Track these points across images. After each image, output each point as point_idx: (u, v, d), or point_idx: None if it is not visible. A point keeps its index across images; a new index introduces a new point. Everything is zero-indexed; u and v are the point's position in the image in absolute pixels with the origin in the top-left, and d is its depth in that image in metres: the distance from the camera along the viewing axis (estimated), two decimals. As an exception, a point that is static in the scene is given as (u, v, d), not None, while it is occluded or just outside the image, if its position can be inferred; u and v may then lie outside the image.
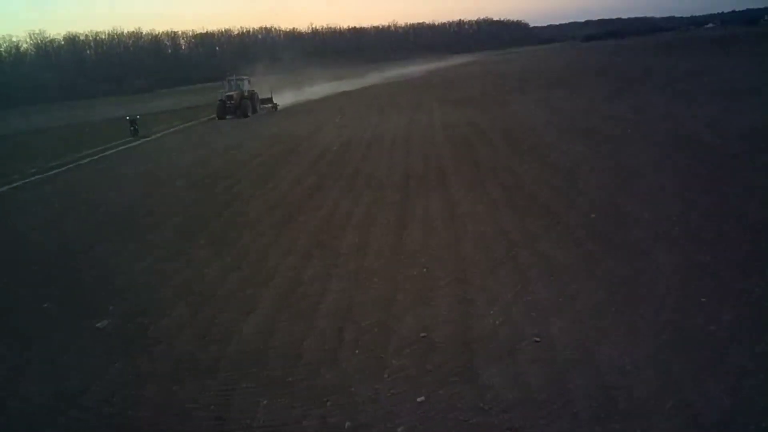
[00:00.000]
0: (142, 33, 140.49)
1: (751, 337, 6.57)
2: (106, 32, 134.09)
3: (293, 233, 12.52)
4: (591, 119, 23.46)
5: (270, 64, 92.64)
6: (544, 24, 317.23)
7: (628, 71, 46.83)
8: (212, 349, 7.72)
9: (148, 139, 34.97)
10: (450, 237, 11.17)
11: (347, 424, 5.98)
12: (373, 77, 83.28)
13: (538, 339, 7.10)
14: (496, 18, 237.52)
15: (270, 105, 46.54)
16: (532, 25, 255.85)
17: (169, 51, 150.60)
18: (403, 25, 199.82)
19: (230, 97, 42.53)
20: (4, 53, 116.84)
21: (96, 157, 28.88)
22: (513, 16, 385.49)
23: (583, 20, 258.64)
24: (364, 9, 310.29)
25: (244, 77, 45.59)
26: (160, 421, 6.32)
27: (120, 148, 31.98)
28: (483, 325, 7.60)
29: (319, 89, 62.58)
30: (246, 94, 43.92)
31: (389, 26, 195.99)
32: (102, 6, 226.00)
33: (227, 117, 42.16)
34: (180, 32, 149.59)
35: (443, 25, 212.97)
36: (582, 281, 8.56)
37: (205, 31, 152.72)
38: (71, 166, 26.68)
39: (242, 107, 42.53)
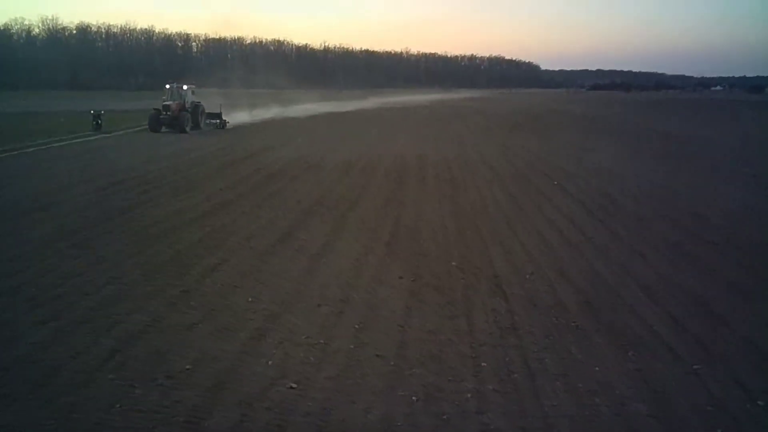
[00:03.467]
0: (154, 31, 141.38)
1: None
2: (119, 26, 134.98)
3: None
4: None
5: (267, 76, 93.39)
6: (556, 68, 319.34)
7: (603, 123, 48.14)
8: None
9: (108, 135, 34.96)
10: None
11: None
12: (372, 101, 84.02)
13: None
14: (508, 57, 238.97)
15: (217, 121, 41.26)
16: (543, 67, 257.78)
17: (180, 52, 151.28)
18: (415, 53, 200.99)
19: (167, 108, 37.23)
20: (14, 36, 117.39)
21: (41, 148, 28.81)
22: (525, 57, 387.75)
23: (594, 68, 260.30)
24: (379, 33, 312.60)
25: (187, 86, 39.70)
26: None
27: (67, 141, 31.98)
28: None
29: (308, 107, 62.92)
30: (187, 105, 38.55)
31: (402, 53, 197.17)
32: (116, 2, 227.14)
33: (162, 130, 37.00)
34: (193, 35, 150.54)
35: (455, 57, 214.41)
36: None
37: (218, 36, 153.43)
38: (13, 153, 26.60)
39: (179, 120, 37.14)
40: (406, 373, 7.49)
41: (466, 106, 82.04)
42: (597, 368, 7.69)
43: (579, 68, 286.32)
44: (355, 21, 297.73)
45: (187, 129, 37.23)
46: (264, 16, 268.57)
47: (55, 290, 9.89)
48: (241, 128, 42.78)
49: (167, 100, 37.84)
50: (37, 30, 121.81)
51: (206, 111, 40.40)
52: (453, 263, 11.93)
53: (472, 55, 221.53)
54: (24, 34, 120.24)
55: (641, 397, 7.02)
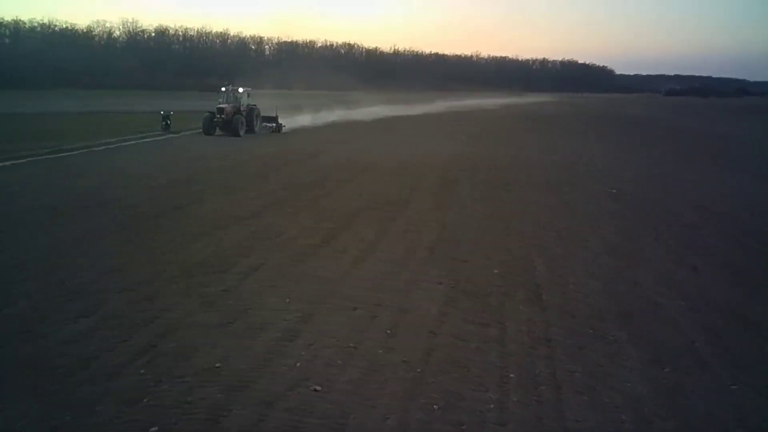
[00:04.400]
0: (229, 34, 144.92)
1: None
2: (196, 29, 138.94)
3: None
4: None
5: (335, 79, 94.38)
6: (631, 73, 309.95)
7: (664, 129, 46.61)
8: None
9: (176, 135, 35.99)
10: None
11: None
12: (439, 105, 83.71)
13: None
14: (581, 61, 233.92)
15: (272, 125, 40.31)
16: (617, 72, 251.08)
17: (253, 55, 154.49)
18: (485, 56, 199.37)
19: (221, 111, 36.37)
20: (96, 37, 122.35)
21: (109, 147, 29.94)
22: (599, 61, 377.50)
23: (672, 74, 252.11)
24: (449, 36, 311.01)
25: (243, 88, 38.56)
26: None
27: (135, 141, 33.07)
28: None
29: (373, 110, 62.84)
30: (242, 108, 37.84)
31: (472, 56, 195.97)
32: (193, 4, 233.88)
33: (216, 133, 36.29)
34: (266, 38, 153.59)
35: (527, 61, 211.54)
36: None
37: (290, 39, 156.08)
38: (83, 151, 27.72)
39: (233, 123, 36.30)
40: (429, 380, 7.39)
41: (532, 111, 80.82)
42: (628, 383, 7.41)
43: (655, 73, 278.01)
44: (425, 24, 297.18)
45: (241, 133, 36.44)
46: (336, 20, 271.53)
47: (96, 285, 10.22)
48: (301, 131, 42.27)
49: (222, 103, 37.13)
50: (117, 32, 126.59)
51: (262, 114, 39.74)
52: (495, 270, 11.73)
53: (544, 58, 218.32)
54: (105, 36, 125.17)
55: (670, 416, 6.72)
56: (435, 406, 6.82)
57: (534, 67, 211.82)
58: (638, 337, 8.83)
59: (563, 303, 10.12)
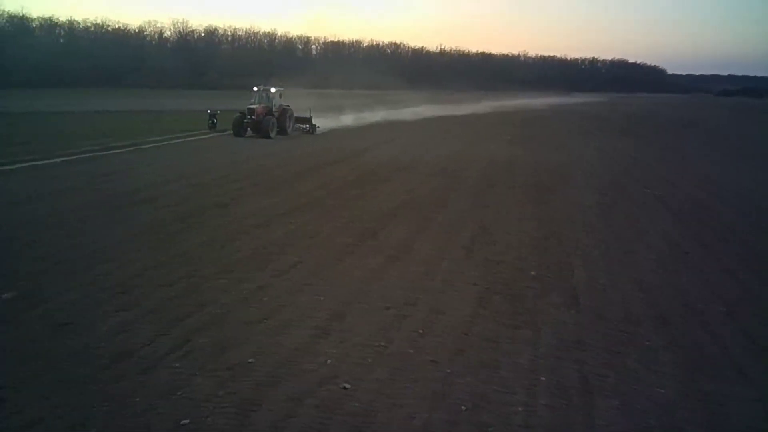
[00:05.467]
0: (276, 34, 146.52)
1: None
2: (244, 29, 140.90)
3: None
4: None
5: (381, 79, 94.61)
6: (683, 72, 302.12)
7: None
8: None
9: (222, 134, 36.55)
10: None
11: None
12: (485, 105, 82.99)
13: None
14: (631, 60, 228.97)
15: (306, 126, 38.76)
16: (669, 71, 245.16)
17: (300, 55, 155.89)
18: (533, 56, 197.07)
19: (252, 111, 34.97)
20: (148, 37, 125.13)
21: (156, 145, 30.64)
22: (650, 60, 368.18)
23: (725, 73, 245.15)
24: (496, 35, 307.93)
25: (275, 88, 36.97)
26: None
27: (182, 139, 33.67)
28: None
29: (417, 110, 62.52)
30: (274, 109, 36.32)
31: (519, 55, 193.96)
32: (242, 5, 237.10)
33: (246, 135, 34.92)
34: (312, 37, 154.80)
35: (575, 60, 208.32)
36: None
37: (337, 39, 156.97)
38: (131, 149, 28.44)
39: (263, 124, 34.77)
40: (458, 381, 7.40)
41: (580, 112, 79.60)
42: (660, 389, 7.29)
43: (709, 73, 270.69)
44: (472, 23, 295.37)
45: (272, 134, 35.00)
46: (383, 20, 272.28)
47: (138, 280, 10.50)
48: (342, 132, 41.45)
49: (253, 103, 35.80)
50: (168, 32, 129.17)
51: (296, 115, 38.40)
52: (531, 272, 11.64)
53: (594, 58, 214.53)
54: (156, 36, 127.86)
55: (701, 423, 6.59)
56: (462, 407, 6.83)
57: (583, 66, 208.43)
58: (674, 343, 8.66)
59: (600, 306, 9.99)
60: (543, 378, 7.52)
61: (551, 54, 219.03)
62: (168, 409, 6.61)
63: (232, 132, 35.35)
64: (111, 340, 8.19)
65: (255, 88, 36.92)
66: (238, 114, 35.50)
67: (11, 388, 6.89)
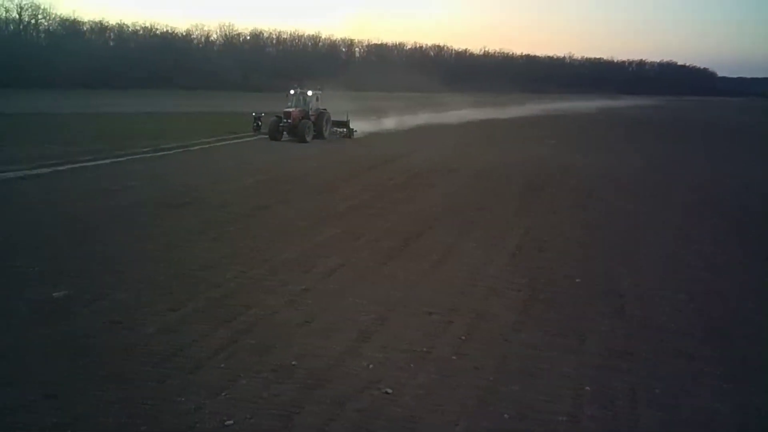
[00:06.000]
0: (320, 37, 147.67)
1: None
2: (289, 32, 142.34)
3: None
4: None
5: (424, 81, 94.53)
6: (734, 75, 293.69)
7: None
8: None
9: (266, 136, 36.89)
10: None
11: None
12: (530, 108, 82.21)
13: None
14: (680, 62, 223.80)
15: (343, 129, 38.01)
16: (720, 74, 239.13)
17: (344, 57, 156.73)
18: (579, 58, 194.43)
19: (288, 115, 34.23)
20: (195, 40, 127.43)
21: (203, 147, 31.19)
22: (700, 63, 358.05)
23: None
24: (540, 37, 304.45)
25: (312, 91, 36.12)
26: None
27: (227, 141, 34.18)
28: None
29: (461, 113, 62.21)
30: (311, 112, 35.53)
31: (564, 57, 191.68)
32: (287, 8, 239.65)
33: (282, 138, 34.52)
34: (356, 40, 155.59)
35: (622, 63, 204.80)
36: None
37: (380, 42, 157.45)
38: (179, 151, 29.01)
39: (299, 128, 33.91)
40: (501, 389, 7.34)
41: (628, 115, 78.34)
42: (711, 403, 7.11)
43: (762, 76, 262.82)
44: (516, 25, 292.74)
45: (308, 138, 34.15)
46: (426, 22, 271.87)
47: (186, 280, 10.70)
48: (383, 135, 41.07)
49: (289, 107, 35.06)
50: (214, 35, 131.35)
51: (332, 119, 37.51)
52: (577, 279, 11.48)
53: (641, 60, 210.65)
54: (203, 39, 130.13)
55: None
56: (506, 415, 6.78)
57: (630, 68, 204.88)
58: (724, 355, 8.45)
59: (647, 316, 9.81)
60: (588, 388, 7.41)
61: (597, 56, 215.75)
62: (213, 409, 6.71)
63: (267, 136, 35.01)
64: (160, 339, 8.36)
65: (291, 91, 36.30)
66: (275, 117, 34.99)
67: (63, 383, 7.09)
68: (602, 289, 11.04)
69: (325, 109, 36.67)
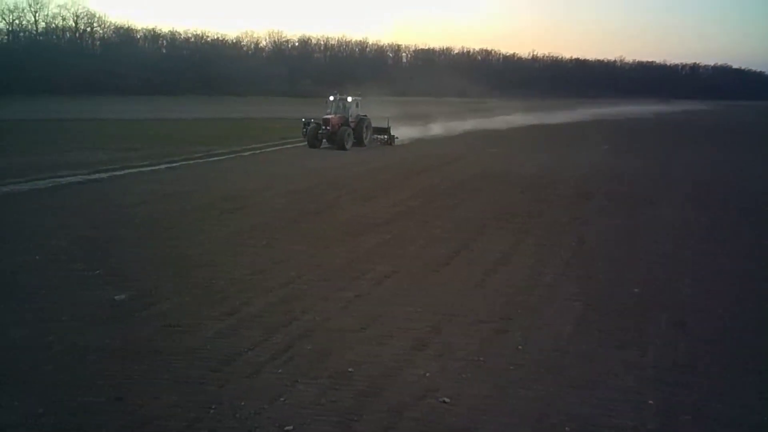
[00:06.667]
0: (368, 42, 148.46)
1: None
2: (336, 38, 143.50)
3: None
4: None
5: (471, 86, 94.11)
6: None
7: None
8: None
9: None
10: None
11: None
12: (580, 113, 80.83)
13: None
14: (735, 66, 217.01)
15: (384, 137, 36.93)
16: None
17: (390, 62, 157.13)
18: (630, 61, 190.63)
19: (326, 122, 33.40)
20: (245, 47, 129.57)
21: (254, 152, 31.64)
22: (756, 66, 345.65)
23: None
24: (590, 41, 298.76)
25: (352, 97, 35.26)
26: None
27: (278, 147, 34.65)
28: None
29: (509, 118, 61.22)
30: (351, 119, 34.68)
31: (615, 61, 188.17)
32: (335, 14, 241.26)
33: (321, 146, 33.86)
34: (403, 45, 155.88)
35: (675, 66, 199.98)
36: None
37: (426, 47, 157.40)
38: (231, 156, 29.51)
39: (338, 135, 33.20)
40: (560, 401, 7.22)
41: (682, 120, 76.50)
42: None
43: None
44: (565, 28, 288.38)
45: (347, 146, 33.31)
46: (474, 26, 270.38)
47: (240, 284, 10.85)
48: (427, 142, 40.17)
49: (329, 113, 34.32)
50: (264, 42, 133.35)
51: (373, 125, 36.50)
52: (635, 290, 11.24)
53: (694, 63, 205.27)
54: (252, 46, 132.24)
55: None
56: (567, 429, 6.66)
57: (683, 72, 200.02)
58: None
59: (709, 328, 9.53)
60: (651, 401, 7.23)
61: (649, 60, 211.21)
62: (272, 414, 6.77)
63: (306, 143, 34.23)
64: (218, 343, 8.48)
65: (331, 98, 35.39)
66: (313, 124, 34.14)
67: (128, 386, 7.25)
68: (662, 300, 10.77)
69: (365, 116, 35.85)
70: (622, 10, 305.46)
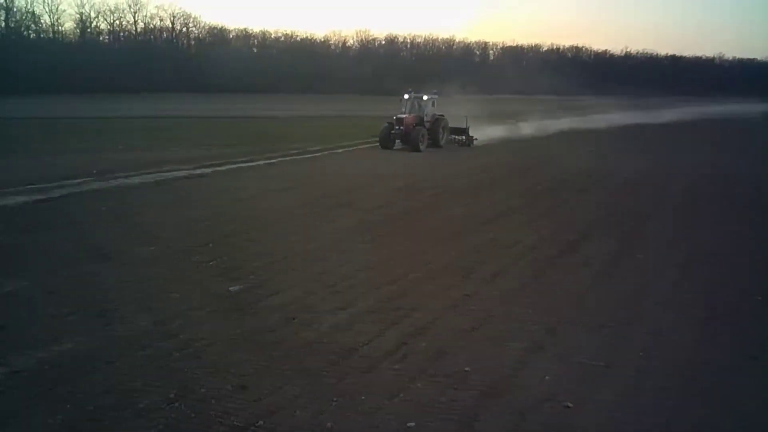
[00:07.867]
0: (455, 40, 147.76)
1: None
2: (423, 36, 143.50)
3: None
4: None
5: (562, 84, 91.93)
6: None
7: None
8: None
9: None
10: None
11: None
12: (682, 111, 77.10)
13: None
14: None
15: (462, 137, 34.77)
16: None
17: (477, 60, 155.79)
18: (730, 58, 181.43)
19: (400, 121, 31.36)
20: (332, 46, 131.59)
21: (348, 149, 32.05)
22: None
23: None
24: (686, 36, 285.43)
25: (427, 95, 33.32)
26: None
27: (371, 144, 34.42)
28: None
29: (607, 117, 57.90)
30: (427, 118, 32.65)
31: (713, 57, 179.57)
32: (422, 13, 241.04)
33: (394, 147, 31.93)
34: (491, 42, 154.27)
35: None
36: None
37: (515, 44, 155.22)
38: (325, 153, 30.01)
39: (412, 136, 31.28)
40: (690, 412, 6.89)
41: None
42: None
43: None
44: (660, 24, 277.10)
45: (422, 147, 31.33)
46: (563, 22, 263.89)
47: (350, 280, 10.96)
48: (515, 142, 38.27)
49: (403, 112, 32.44)
50: (351, 41, 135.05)
51: (450, 125, 34.45)
52: (758, 297, 10.64)
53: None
54: (340, 45, 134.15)
55: None
56: (698, 440, 6.35)
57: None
58: None
59: None
60: (788, 422, 6.81)
61: (751, 56, 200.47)
62: (393, 410, 6.77)
63: (379, 144, 32.41)
64: (334, 336, 8.57)
65: (405, 96, 33.31)
66: (386, 124, 32.07)
67: (252, 375, 7.42)
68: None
69: (442, 115, 33.66)
70: (723, 3, 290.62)
